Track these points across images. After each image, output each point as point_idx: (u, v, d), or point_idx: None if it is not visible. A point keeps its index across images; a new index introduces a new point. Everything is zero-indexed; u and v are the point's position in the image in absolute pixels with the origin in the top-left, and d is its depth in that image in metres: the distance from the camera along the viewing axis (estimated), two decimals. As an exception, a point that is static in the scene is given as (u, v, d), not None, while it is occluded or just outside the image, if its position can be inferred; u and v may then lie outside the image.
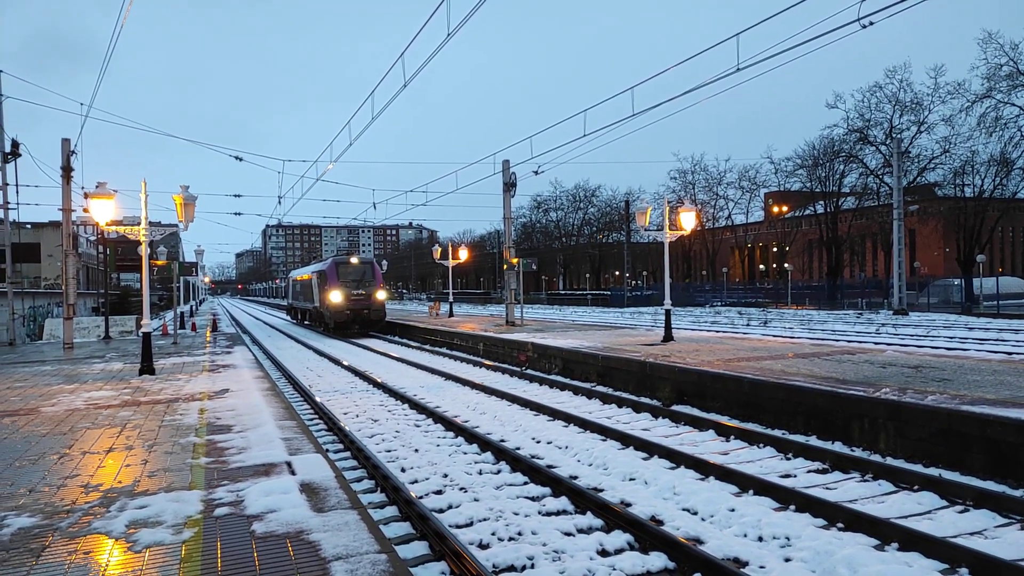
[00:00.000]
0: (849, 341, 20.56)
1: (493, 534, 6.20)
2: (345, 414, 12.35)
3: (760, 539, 6.10)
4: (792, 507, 6.80)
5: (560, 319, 36.87)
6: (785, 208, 73.00)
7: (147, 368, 13.83)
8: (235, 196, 29.50)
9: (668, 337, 17.77)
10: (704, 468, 8.17)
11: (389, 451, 9.56)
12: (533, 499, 7.28)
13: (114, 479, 5.91)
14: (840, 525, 6.27)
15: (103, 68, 16.20)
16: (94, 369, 15.14)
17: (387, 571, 3.81)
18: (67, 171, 21.01)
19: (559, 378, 16.14)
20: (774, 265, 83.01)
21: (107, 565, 4.03)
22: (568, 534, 6.22)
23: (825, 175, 59.21)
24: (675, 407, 12.12)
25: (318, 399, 13.65)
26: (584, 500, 7.01)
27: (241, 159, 25.68)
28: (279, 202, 29.55)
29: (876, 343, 19.78)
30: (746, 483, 7.51)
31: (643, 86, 14.87)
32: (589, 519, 6.57)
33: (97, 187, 13.84)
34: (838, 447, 9.06)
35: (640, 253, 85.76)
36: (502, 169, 27.80)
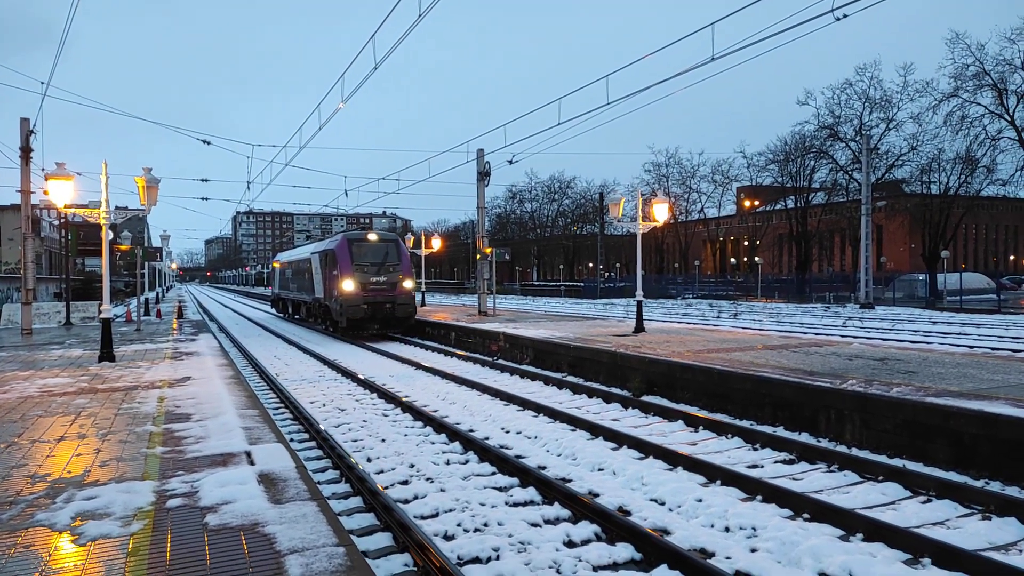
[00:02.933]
0: (817, 334, 20.79)
1: (459, 525, 6.09)
2: (311, 403, 12.13)
3: (727, 529, 6.07)
4: (759, 498, 6.80)
5: (533, 309, 36.83)
6: (756, 202, 73.79)
7: (107, 355, 13.45)
8: (202, 181, 28.88)
9: (639, 328, 17.79)
10: (672, 458, 8.14)
11: (355, 441, 9.40)
12: (500, 489, 7.19)
13: (63, 469, 5.68)
14: (806, 516, 6.27)
15: (61, 44, 15.68)
16: (52, 355, 14.70)
17: (344, 565, 3.68)
18: (26, 152, 20.34)
19: (530, 368, 16.07)
20: (744, 259, 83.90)
21: (49, 559, 3.84)
22: (535, 525, 6.13)
23: (796, 170, 59.90)
24: (645, 397, 12.12)
25: (283, 388, 13.40)
26: (552, 491, 6.93)
27: (209, 143, 25.13)
28: (248, 188, 29.01)
29: (843, 336, 20.02)
30: (714, 473, 7.50)
31: (618, 75, 14.78)
32: (556, 510, 6.50)
33: (56, 168, 13.40)
34: (805, 438, 9.10)
35: (614, 245, 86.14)
36: (476, 158, 27.58)
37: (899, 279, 51.93)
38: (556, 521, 6.28)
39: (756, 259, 58.29)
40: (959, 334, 22.03)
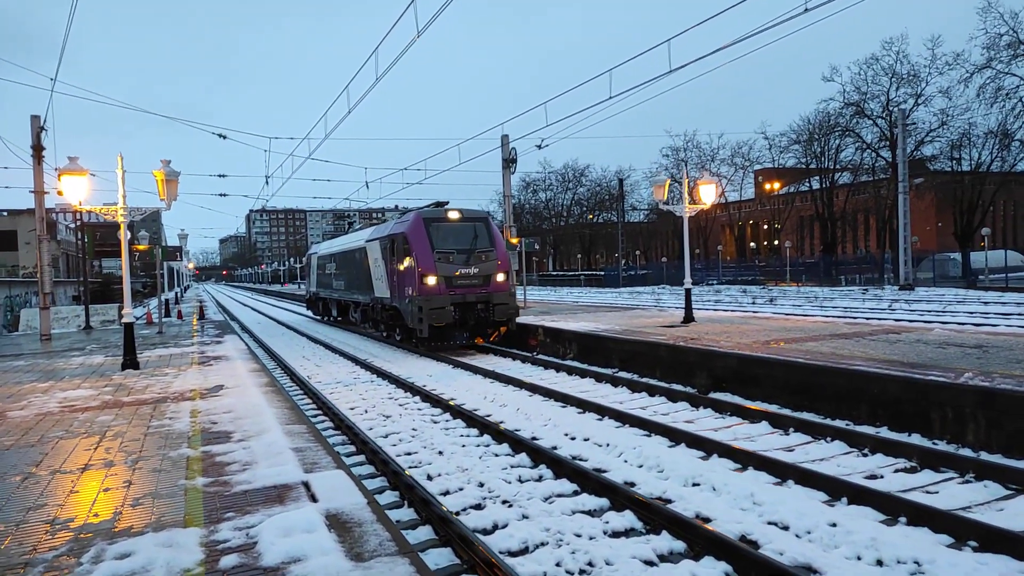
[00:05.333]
0: (880, 319, 19.50)
1: (558, 565, 5.11)
2: (352, 409, 11.19)
3: (880, 563, 5.05)
4: (903, 519, 5.75)
5: (559, 300, 35.83)
6: (777, 185, 72.16)
7: (130, 362, 12.59)
8: (219, 176, 28.02)
9: (689, 318, 16.71)
10: (778, 470, 7.11)
11: (409, 454, 8.43)
12: (591, 514, 6.19)
13: (89, 511, 4.74)
14: (973, 544, 5.23)
15: (65, 38, 14.81)
16: (72, 363, 13.87)
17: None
18: (38, 150, 19.50)
19: (575, 363, 15.07)
20: (765, 243, 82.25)
21: (75, 656, 2.89)
22: (649, 563, 5.13)
23: (820, 150, 58.30)
24: (713, 395, 11.09)
25: (321, 393, 12.49)
26: (653, 515, 5.93)
27: (225, 136, 24.26)
28: (266, 182, 28.15)
29: (915, 321, 18.82)
30: (836, 488, 6.46)
31: (682, 39, 13.44)
32: (667, 541, 5.49)
33: (69, 163, 12.51)
34: (917, 440, 8.03)
35: (631, 233, 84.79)
36: (501, 145, 26.54)
37: (930, 259, 50.39)
38: (672, 557, 5.28)
39: (786, 243, 56.75)
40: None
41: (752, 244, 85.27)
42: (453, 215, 18.72)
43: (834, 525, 5.64)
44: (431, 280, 17.39)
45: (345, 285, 25.48)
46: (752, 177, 74.00)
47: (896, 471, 7.17)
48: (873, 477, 7.00)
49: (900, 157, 36.85)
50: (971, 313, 22.23)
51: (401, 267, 18.45)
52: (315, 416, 11.03)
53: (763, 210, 79.24)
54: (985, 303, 26.40)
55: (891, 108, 49.28)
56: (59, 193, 18.59)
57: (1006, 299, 28.19)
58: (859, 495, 6.24)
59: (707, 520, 5.92)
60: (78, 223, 33.77)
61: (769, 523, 5.87)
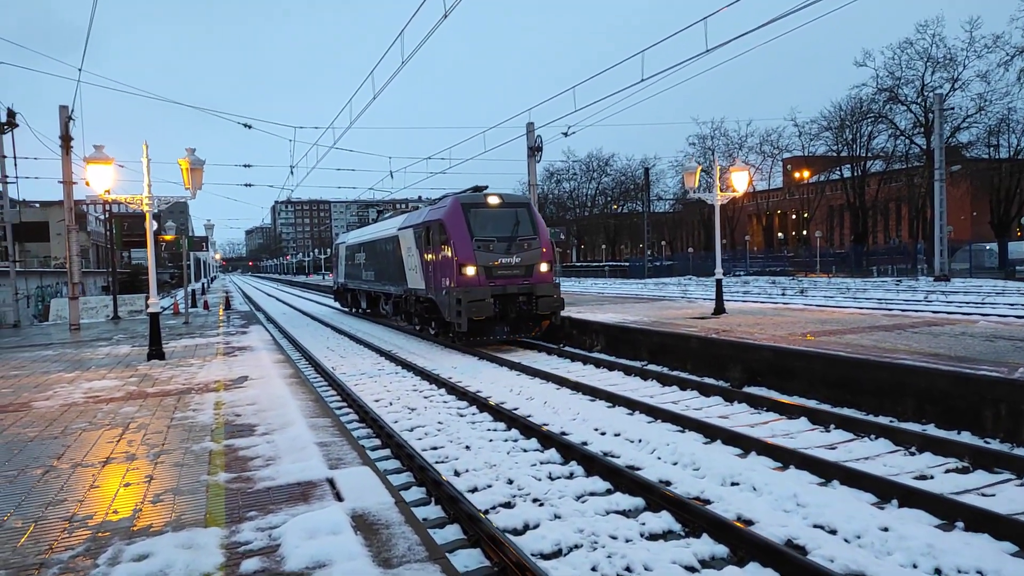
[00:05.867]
0: (917, 311, 18.94)
1: (594, 569, 4.86)
2: (377, 402, 11.03)
3: (939, 573, 4.73)
4: (960, 524, 5.41)
5: (584, 291, 35.46)
6: (807, 173, 70.83)
7: (156, 352, 12.56)
8: (245, 167, 28.04)
9: (720, 309, 16.31)
10: (821, 469, 6.78)
11: (435, 448, 8.23)
12: (625, 514, 5.94)
13: (108, 507, 4.59)
14: (1041, 553, 4.89)
15: (89, 28, 14.75)
16: (99, 353, 13.90)
17: None
18: (66, 140, 19.62)
19: (603, 356, 14.78)
20: (793, 233, 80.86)
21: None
22: (691, 569, 4.86)
23: (852, 137, 56.94)
24: (748, 388, 10.74)
25: (345, 384, 12.36)
26: (692, 516, 5.65)
27: (250, 127, 24.22)
28: (291, 172, 28.11)
29: (958, 313, 18.22)
30: (883, 490, 6.12)
31: (718, 18, 12.89)
32: (709, 545, 5.22)
33: (95, 151, 12.47)
34: (968, 438, 7.64)
35: (656, 223, 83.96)
36: (526, 132, 26.23)
37: (966, 248, 49.11)
38: (715, 562, 5.00)
39: (816, 233, 55.63)
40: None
41: (780, 234, 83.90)
42: (493, 200, 17.36)
43: (886, 530, 5.32)
44: (470, 270, 16.24)
45: (375, 276, 24.34)
46: (781, 166, 72.72)
47: (947, 471, 6.79)
48: (923, 478, 6.64)
49: (936, 144, 35.83)
50: (1012, 305, 21.48)
51: (437, 257, 17.33)
52: (339, 408, 10.89)
53: (792, 199, 77.82)
54: (1026, 295, 25.58)
55: (926, 93, 47.96)
56: (87, 183, 18.70)
57: (1048, 290, 27.29)
58: (910, 497, 5.90)
59: (749, 523, 5.63)
60: (107, 214, 34.13)
61: (815, 526, 5.57)
